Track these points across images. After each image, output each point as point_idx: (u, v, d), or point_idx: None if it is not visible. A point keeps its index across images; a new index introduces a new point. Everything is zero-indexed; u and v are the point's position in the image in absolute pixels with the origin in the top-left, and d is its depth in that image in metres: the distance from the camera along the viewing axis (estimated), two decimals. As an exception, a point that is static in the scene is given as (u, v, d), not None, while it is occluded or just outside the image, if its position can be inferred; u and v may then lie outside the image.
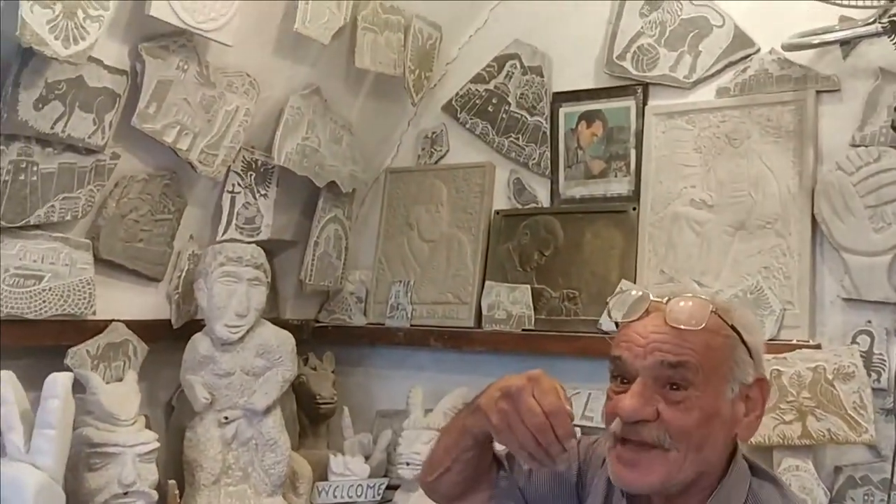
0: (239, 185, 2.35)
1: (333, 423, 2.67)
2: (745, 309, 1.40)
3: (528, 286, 2.51)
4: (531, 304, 2.49)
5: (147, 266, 2.19)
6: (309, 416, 2.61)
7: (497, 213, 2.65)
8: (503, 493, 1.53)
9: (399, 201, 2.80)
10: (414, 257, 2.73)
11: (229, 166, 2.29)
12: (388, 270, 2.76)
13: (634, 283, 2.34)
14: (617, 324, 1.38)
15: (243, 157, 2.34)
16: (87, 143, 1.92)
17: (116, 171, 2.05)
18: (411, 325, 2.64)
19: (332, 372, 2.67)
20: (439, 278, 2.66)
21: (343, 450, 2.53)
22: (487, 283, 2.57)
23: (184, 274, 2.26)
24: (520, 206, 2.64)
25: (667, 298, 1.33)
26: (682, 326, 1.28)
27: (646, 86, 2.47)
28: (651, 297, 1.34)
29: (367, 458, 2.53)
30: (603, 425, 2.23)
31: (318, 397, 2.57)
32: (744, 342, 1.33)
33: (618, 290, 1.42)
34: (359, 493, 2.43)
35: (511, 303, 2.51)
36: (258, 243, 2.33)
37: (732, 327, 1.32)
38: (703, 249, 2.30)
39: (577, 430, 1.44)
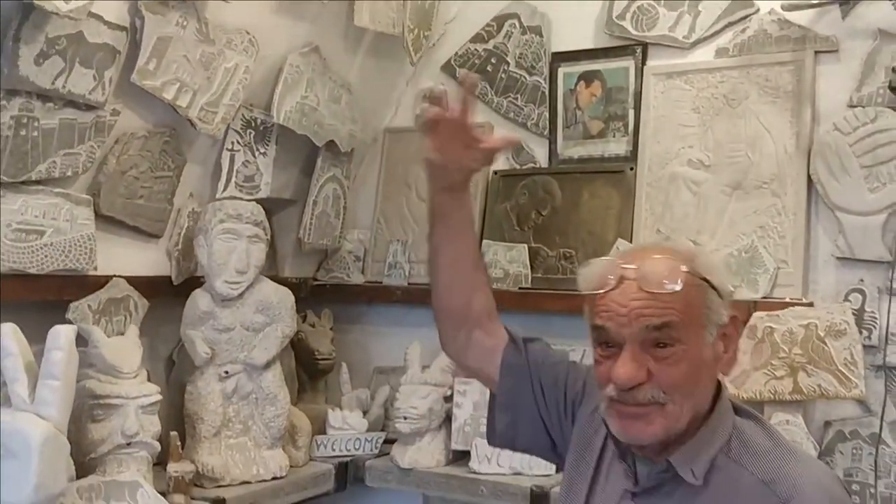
0: (238, 143, 2.36)
1: (332, 379, 2.71)
2: (703, 252, 1.45)
3: (526, 245, 2.53)
4: (528, 263, 2.51)
5: (147, 223, 2.21)
6: (308, 372, 2.65)
7: (495, 173, 2.66)
8: (512, 359, 1.61)
9: (397, 161, 2.80)
10: (412, 217, 2.75)
11: (229, 124, 2.29)
12: (387, 229, 2.77)
13: (631, 242, 2.37)
14: None
15: (242, 115, 2.34)
16: (87, 99, 1.93)
17: (117, 128, 2.06)
18: (409, 284, 2.66)
19: (331, 329, 2.70)
20: (437, 237, 2.67)
21: (341, 405, 2.57)
22: (485, 242, 2.58)
23: (184, 231, 2.27)
24: (518, 167, 2.65)
25: (637, 265, 1.35)
26: (659, 291, 1.32)
27: (645, 46, 2.47)
28: (621, 265, 1.36)
29: (364, 413, 2.57)
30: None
31: (316, 353, 2.61)
32: (713, 287, 1.37)
33: (590, 262, 1.45)
34: (356, 447, 2.47)
35: (508, 262, 2.54)
36: (257, 201, 2.34)
37: (702, 277, 1.35)
38: (699, 209, 2.32)
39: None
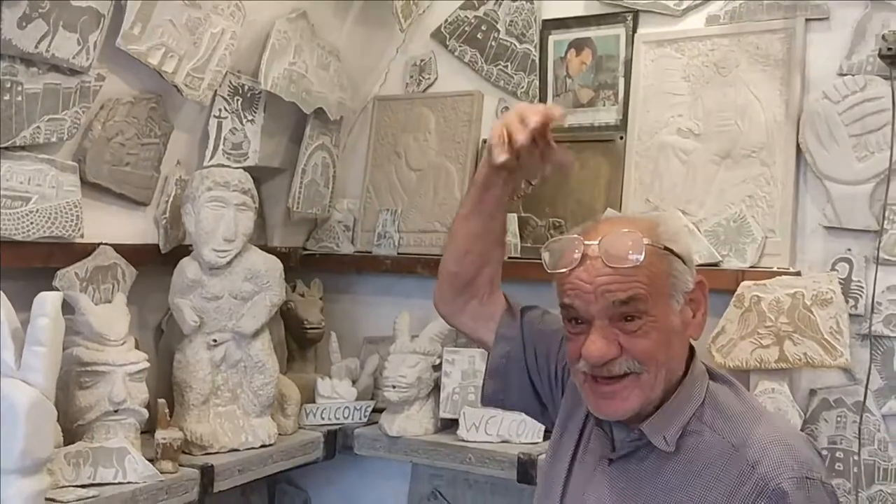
0: (225, 109, 2.34)
1: (321, 348, 2.71)
2: (664, 219, 1.46)
3: (515, 215, 2.52)
4: (517, 233, 2.51)
5: (134, 190, 2.19)
6: (297, 341, 2.65)
7: (485, 141, 2.64)
8: (506, 329, 1.66)
9: (387, 130, 2.79)
10: (402, 186, 2.74)
11: (216, 91, 2.27)
12: (376, 199, 2.77)
13: (620, 212, 2.36)
14: None
15: (230, 81, 2.32)
16: (71, 63, 1.91)
17: (102, 94, 2.04)
18: (398, 253, 2.66)
19: (320, 299, 2.70)
20: (427, 207, 2.67)
21: (330, 374, 2.58)
22: (474, 211, 2.58)
23: (171, 199, 2.26)
24: (508, 135, 2.64)
25: (599, 239, 1.35)
26: (622, 266, 1.33)
27: (636, 13, 2.45)
28: (584, 242, 1.36)
29: (354, 382, 2.58)
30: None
31: (305, 322, 2.61)
32: (676, 255, 1.38)
33: (550, 241, 1.46)
34: (346, 415, 2.48)
35: (497, 231, 2.53)
36: (245, 169, 2.33)
37: (664, 247, 1.36)
38: (688, 178, 2.32)
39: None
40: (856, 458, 2.06)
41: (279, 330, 2.63)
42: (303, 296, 2.67)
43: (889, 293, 2.07)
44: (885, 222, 2.07)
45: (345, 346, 2.69)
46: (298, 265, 2.75)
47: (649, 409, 1.38)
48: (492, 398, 1.71)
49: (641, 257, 1.32)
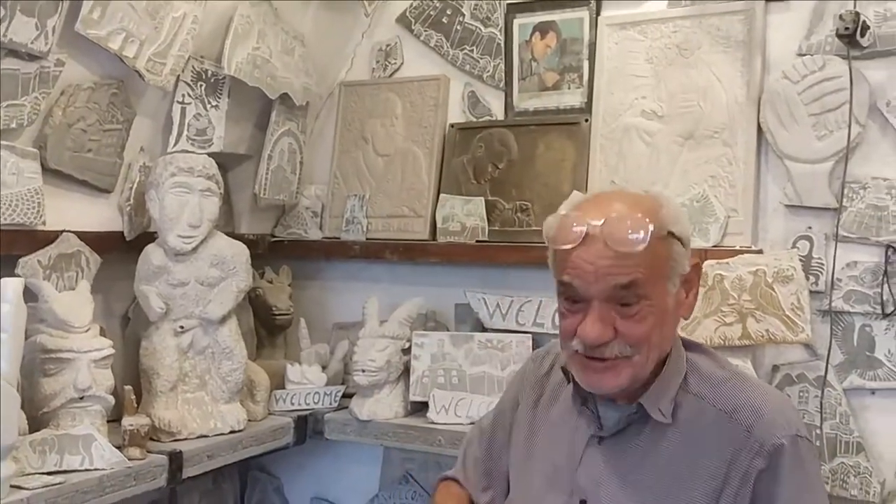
0: (189, 95, 2.32)
1: (290, 334, 2.71)
2: (665, 199, 1.44)
3: (482, 198, 2.54)
4: (485, 216, 2.52)
5: (97, 177, 2.17)
6: (266, 327, 2.65)
7: (452, 126, 2.66)
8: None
9: (354, 115, 2.78)
10: (369, 171, 2.73)
11: (178, 76, 2.26)
12: (344, 185, 2.76)
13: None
14: None
15: (193, 66, 2.31)
16: (29, 48, 1.88)
17: (62, 79, 2.01)
18: (367, 239, 2.66)
19: (289, 285, 2.70)
20: (394, 192, 2.67)
21: (300, 360, 2.57)
22: (442, 195, 2.59)
23: (135, 185, 2.24)
24: (474, 119, 2.65)
25: (603, 220, 1.34)
26: (626, 250, 1.32)
27: (599, -5, 2.47)
28: (588, 221, 1.35)
29: (323, 367, 2.58)
30: (552, 331, 2.32)
31: (274, 309, 2.60)
32: (676, 237, 1.39)
33: (556, 214, 1.44)
34: (316, 401, 2.48)
35: (465, 215, 2.54)
36: (211, 155, 2.31)
37: (668, 231, 1.37)
38: (652, 160, 2.34)
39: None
40: (818, 431, 2.09)
41: (248, 317, 2.62)
42: (271, 282, 2.67)
43: (848, 269, 2.10)
44: (844, 200, 2.10)
45: (314, 332, 2.69)
46: (267, 252, 2.74)
47: (637, 387, 1.41)
48: None
49: (645, 243, 1.31)
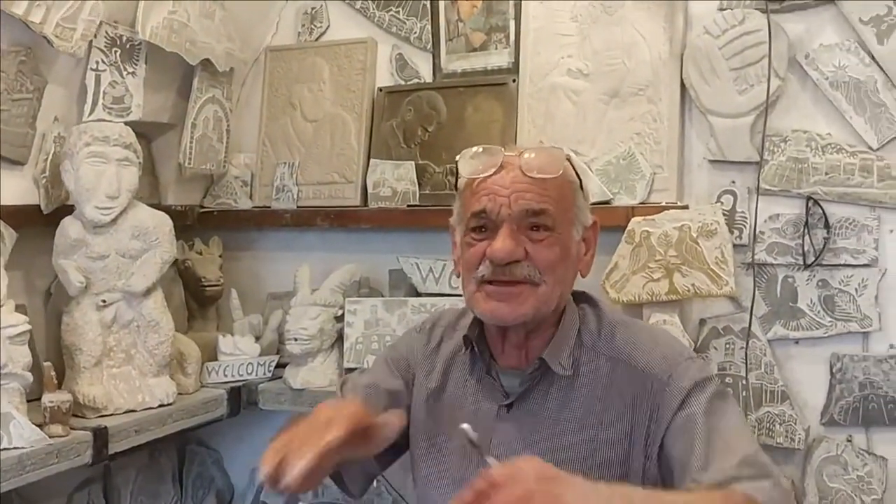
0: (103, 62, 2.25)
1: (223, 306, 2.67)
2: (573, 157, 1.55)
3: (413, 162, 2.51)
4: (416, 180, 2.50)
5: (8, 148, 2.09)
6: (196, 300, 2.60)
7: (380, 90, 2.62)
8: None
9: (280, 81, 2.73)
10: (298, 138, 2.68)
11: (90, 42, 2.18)
12: (273, 152, 2.71)
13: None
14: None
15: (106, 32, 2.23)
16: (-76, 14, 1.80)
17: (-36, 47, 1.94)
18: (298, 207, 2.62)
19: (220, 256, 2.65)
20: (324, 158, 2.63)
21: (233, 331, 2.54)
22: (372, 160, 2.55)
23: (50, 157, 2.17)
24: (402, 83, 2.61)
25: (518, 152, 1.41)
26: (541, 175, 1.38)
27: (524, -46, 2.44)
28: (504, 153, 1.42)
29: (257, 338, 2.55)
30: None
31: (203, 280, 2.55)
32: (581, 188, 1.45)
33: (469, 150, 1.49)
34: (249, 371, 2.45)
35: (396, 179, 2.52)
36: (131, 124, 2.24)
37: (577, 174, 1.40)
38: (579, 119, 2.33)
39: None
40: (744, 382, 2.13)
41: (179, 290, 2.58)
42: (201, 254, 2.61)
43: (771, 222, 2.13)
44: (766, 153, 2.12)
45: (248, 302, 2.65)
46: (196, 223, 2.69)
47: (532, 327, 1.42)
48: None
49: (559, 173, 1.39)
